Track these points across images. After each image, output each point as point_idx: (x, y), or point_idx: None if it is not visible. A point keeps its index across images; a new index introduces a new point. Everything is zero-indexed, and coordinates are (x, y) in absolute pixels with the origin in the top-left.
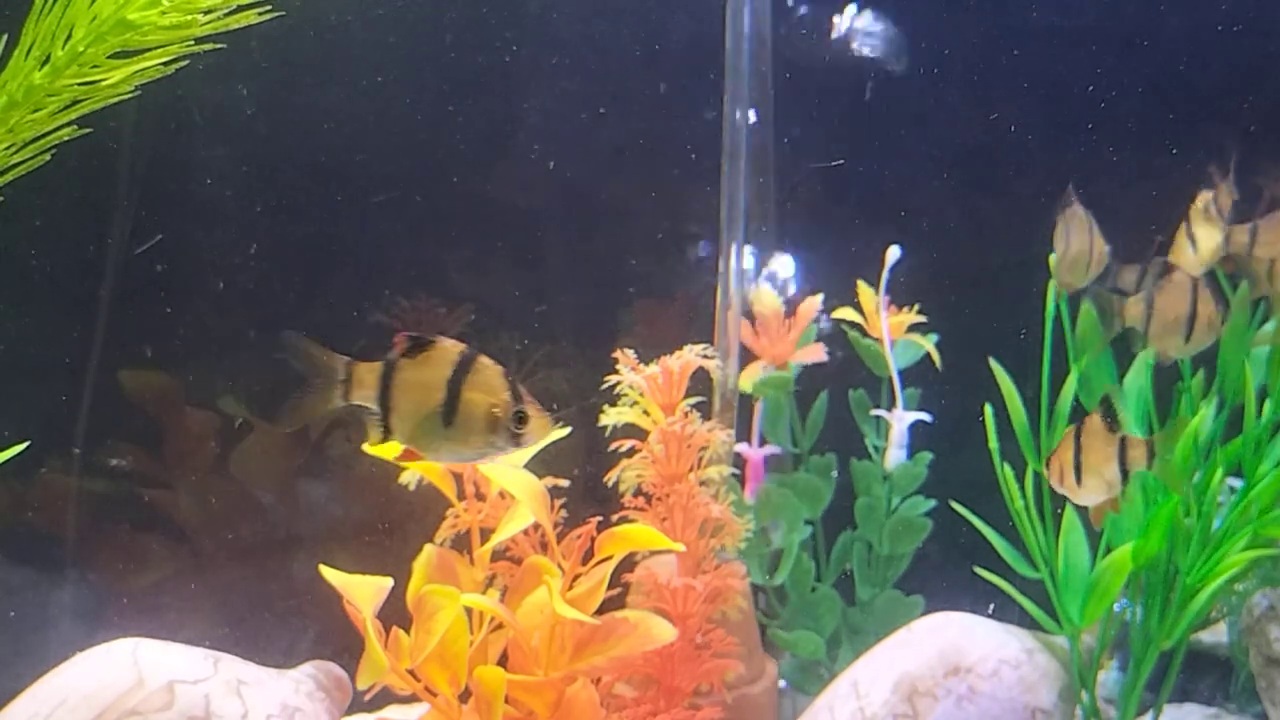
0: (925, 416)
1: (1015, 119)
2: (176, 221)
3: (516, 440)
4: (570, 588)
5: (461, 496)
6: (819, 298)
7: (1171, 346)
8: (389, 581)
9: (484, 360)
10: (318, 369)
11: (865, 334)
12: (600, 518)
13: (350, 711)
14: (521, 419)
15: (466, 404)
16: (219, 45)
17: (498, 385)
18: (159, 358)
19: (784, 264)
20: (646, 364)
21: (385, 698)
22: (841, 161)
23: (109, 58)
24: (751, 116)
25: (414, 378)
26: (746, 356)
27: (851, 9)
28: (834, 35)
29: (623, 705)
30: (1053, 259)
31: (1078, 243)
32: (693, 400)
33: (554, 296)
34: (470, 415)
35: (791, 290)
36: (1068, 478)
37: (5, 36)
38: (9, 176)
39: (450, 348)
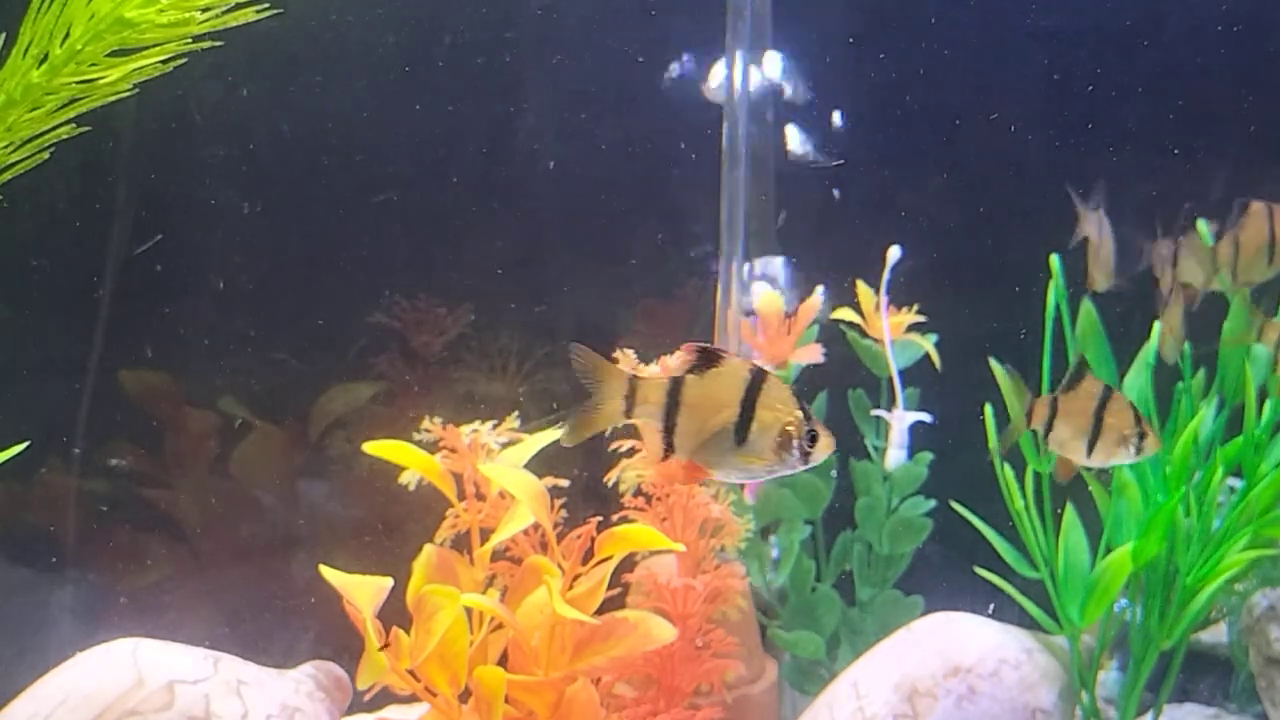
0: (925, 417)
1: (1015, 119)
2: (176, 221)
3: (805, 459)
4: (570, 588)
5: (461, 496)
6: (819, 298)
7: (1256, 272)
8: (389, 581)
9: (775, 378)
10: (601, 383)
11: (865, 334)
12: (600, 518)
13: (350, 711)
14: (813, 438)
15: (760, 422)
16: (217, 43)
17: (790, 403)
18: (159, 358)
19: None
20: (646, 364)
21: (385, 698)
22: (842, 161)
23: (107, 56)
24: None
25: (704, 394)
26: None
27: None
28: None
29: (623, 705)
30: (1054, 260)
31: (1108, 245)
32: None
33: (554, 296)
34: (764, 433)
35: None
36: (1074, 442)
37: (3, 35)
38: (7, 175)
39: (740, 365)
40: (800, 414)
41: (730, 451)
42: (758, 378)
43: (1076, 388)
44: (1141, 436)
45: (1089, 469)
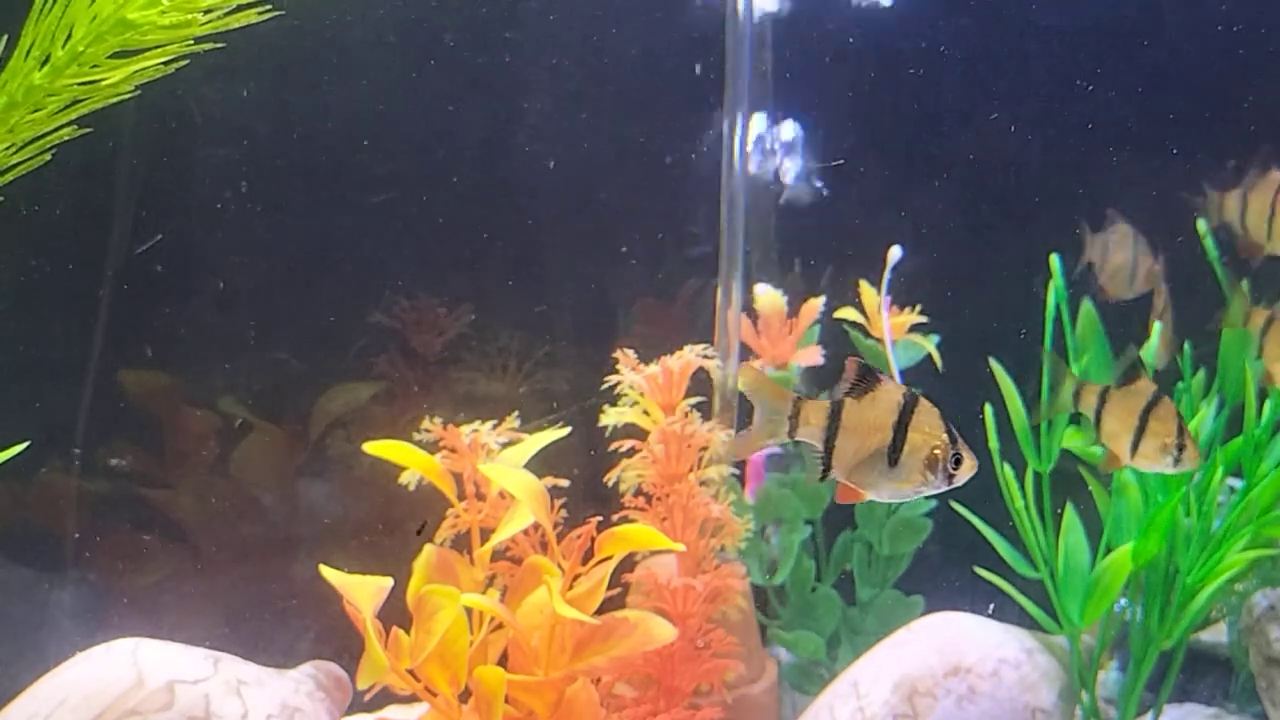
0: None
1: (1015, 119)
2: (177, 221)
3: (950, 480)
4: (570, 588)
5: (461, 496)
6: (821, 298)
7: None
8: (389, 581)
9: (925, 402)
10: (768, 403)
11: (867, 334)
12: (600, 518)
13: (350, 711)
14: (958, 460)
15: (912, 445)
16: (219, 45)
17: (939, 427)
18: (159, 358)
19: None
20: (646, 364)
21: (385, 698)
22: (841, 162)
23: (109, 57)
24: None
25: (861, 418)
26: (747, 356)
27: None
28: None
29: (623, 705)
30: (1054, 260)
31: (1120, 255)
32: (693, 400)
33: (554, 296)
34: (914, 456)
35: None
36: (1122, 439)
37: (5, 37)
38: (9, 177)
39: (894, 389)
40: (947, 437)
41: (883, 474)
42: (910, 401)
43: (1129, 385)
44: (1181, 449)
45: (1088, 469)
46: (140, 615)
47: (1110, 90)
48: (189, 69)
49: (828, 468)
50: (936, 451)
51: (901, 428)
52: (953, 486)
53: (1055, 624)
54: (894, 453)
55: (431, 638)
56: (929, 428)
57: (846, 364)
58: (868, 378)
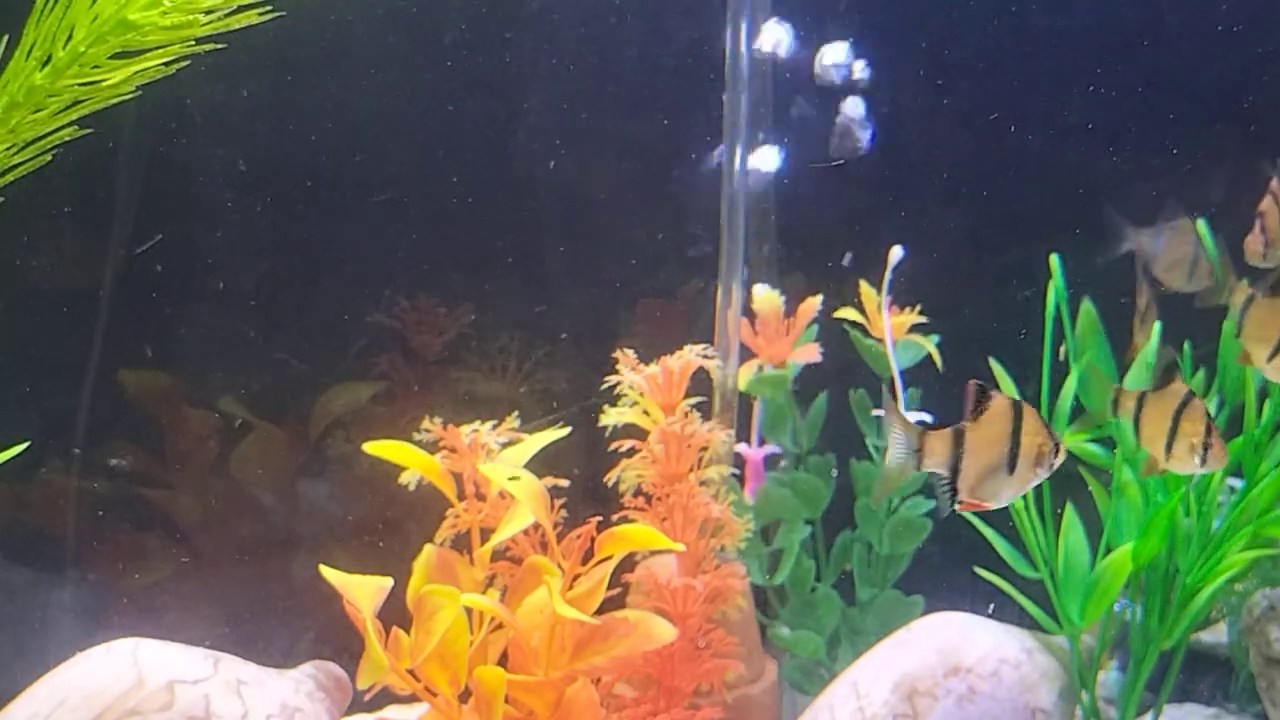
0: (926, 417)
1: (1015, 119)
2: (177, 221)
3: (1051, 468)
4: (570, 588)
5: (461, 496)
6: (819, 297)
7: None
8: (389, 581)
9: (1027, 405)
10: (895, 436)
11: (867, 334)
12: (600, 518)
13: (350, 711)
14: (1057, 450)
15: (1025, 449)
16: (220, 45)
17: (1040, 424)
18: (159, 358)
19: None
20: (646, 364)
21: (385, 698)
22: (842, 162)
23: (110, 58)
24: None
25: (980, 438)
26: (746, 356)
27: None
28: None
29: (623, 705)
30: (1054, 260)
31: (1181, 248)
32: (693, 400)
33: (554, 296)
34: (1027, 458)
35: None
36: (1157, 443)
37: (6, 37)
38: (10, 177)
39: (1002, 400)
40: (1048, 432)
41: (1002, 482)
42: (1017, 410)
43: (1164, 389)
44: (1207, 448)
45: (1089, 469)
46: (140, 615)
47: (1111, 90)
48: (189, 68)
49: (954, 492)
50: (1044, 449)
51: (1015, 435)
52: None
53: (1055, 624)
54: (1011, 460)
55: (431, 638)
56: (1035, 430)
57: (966, 388)
58: (984, 397)
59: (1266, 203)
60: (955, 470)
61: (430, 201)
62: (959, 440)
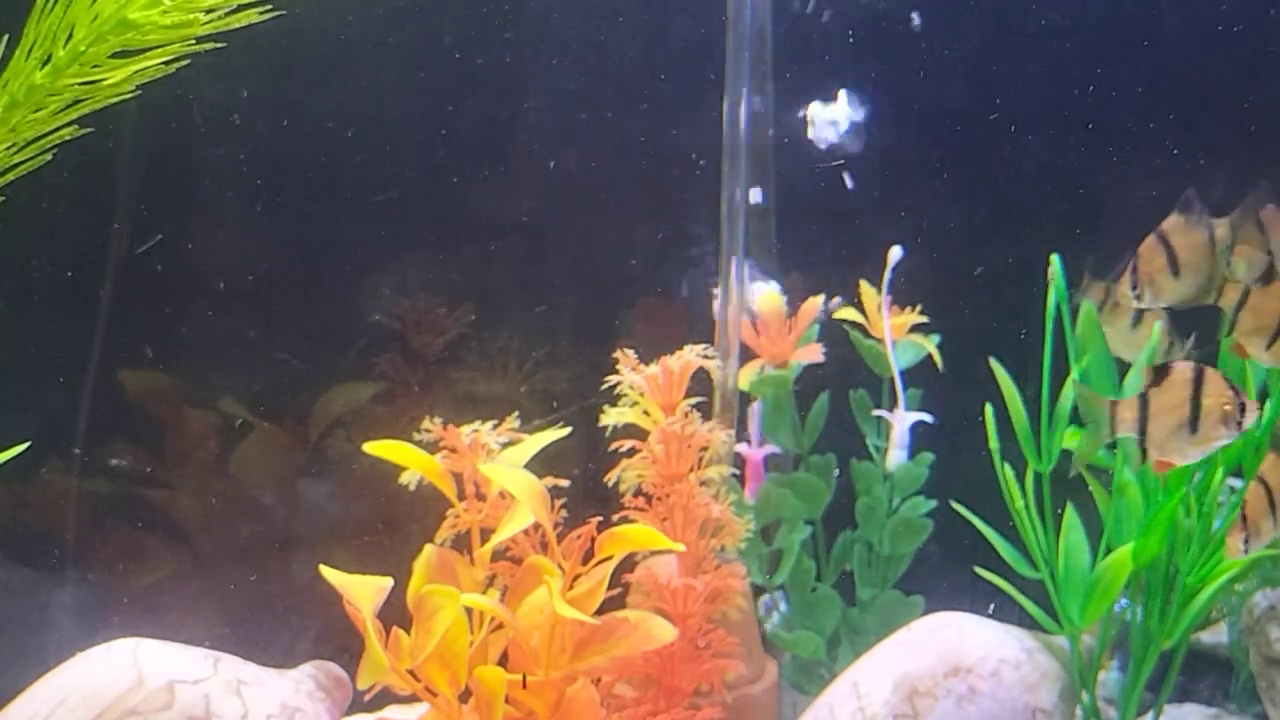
0: (926, 417)
1: (1015, 119)
2: (177, 221)
3: (1239, 427)
4: (570, 588)
5: (461, 496)
6: (820, 297)
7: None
8: (389, 581)
9: (1209, 369)
10: (1091, 412)
11: (868, 334)
12: (600, 518)
13: (350, 711)
14: (1243, 408)
15: (1206, 409)
16: (220, 44)
17: (1223, 385)
18: (159, 358)
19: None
20: (646, 364)
21: (385, 698)
22: (842, 162)
23: (110, 57)
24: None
25: (1164, 402)
26: (747, 355)
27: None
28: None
29: (623, 705)
30: (1054, 260)
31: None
32: (693, 400)
33: (554, 296)
34: (1209, 417)
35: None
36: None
37: (6, 36)
38: (10, 176)
39: (1183, 367)
40: (1231, 392)
41: (1188, 440)
42: (1198, 373)
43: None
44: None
45: (1089, 469)
46: (140, 615)
47: (1111, 89)
48: (189, 68)
49: (1144, 450)
50: (1227, 408)
51: (1196, 398)
52: (1243, 433)
53: (1055, 624)
54: (1194, 420)
55: (431, 638)
56: (1216, 390)
57: (1144, 371)
58: (1161, 370)
59: (1149, 243)
60: (1143, 433)
61: (430, 201)
62: (1144, 406)
